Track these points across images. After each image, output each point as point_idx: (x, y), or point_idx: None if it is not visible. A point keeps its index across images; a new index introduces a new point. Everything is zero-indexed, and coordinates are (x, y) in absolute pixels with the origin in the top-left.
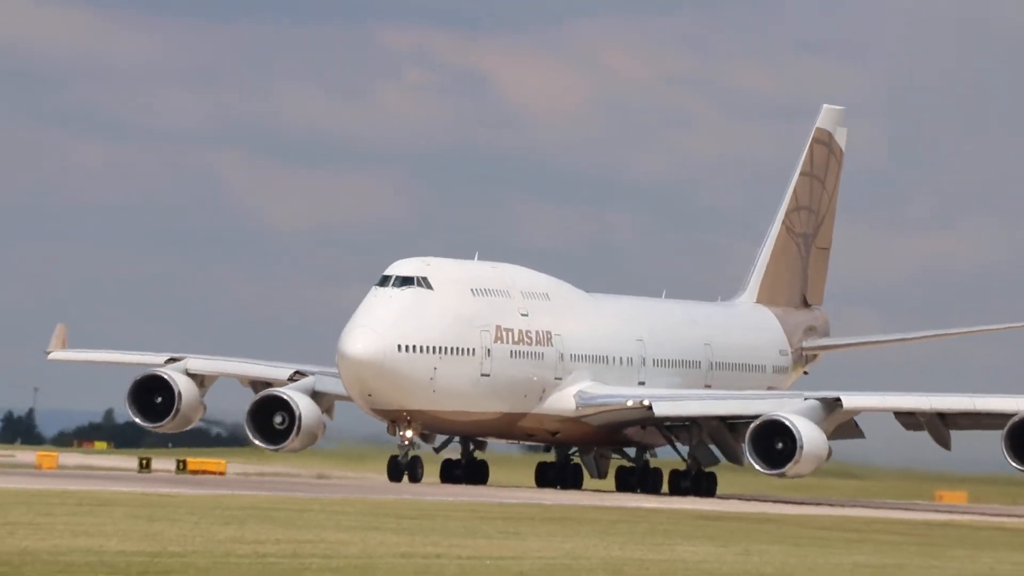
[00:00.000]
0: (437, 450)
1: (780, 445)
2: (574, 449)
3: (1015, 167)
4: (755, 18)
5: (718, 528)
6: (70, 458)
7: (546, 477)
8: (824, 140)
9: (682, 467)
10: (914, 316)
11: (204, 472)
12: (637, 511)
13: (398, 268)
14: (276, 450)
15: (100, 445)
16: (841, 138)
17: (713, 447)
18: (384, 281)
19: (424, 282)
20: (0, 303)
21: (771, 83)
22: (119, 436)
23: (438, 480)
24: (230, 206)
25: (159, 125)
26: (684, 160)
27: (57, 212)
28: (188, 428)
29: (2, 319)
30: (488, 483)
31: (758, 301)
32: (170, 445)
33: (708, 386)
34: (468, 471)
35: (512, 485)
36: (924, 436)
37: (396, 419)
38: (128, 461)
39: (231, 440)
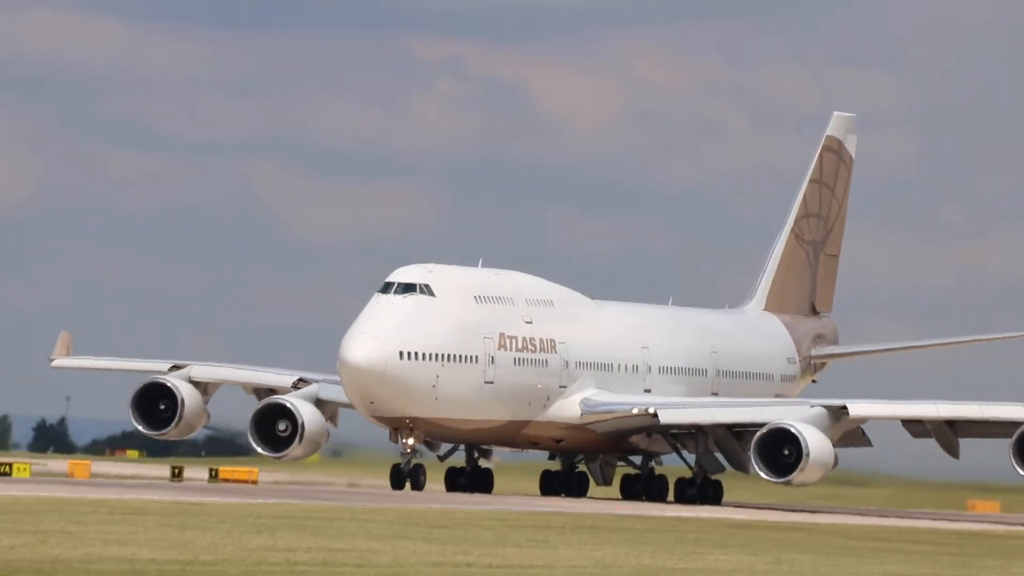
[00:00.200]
0: (442, 458)
1: (786, 453)
2: (579, 457)
3: None
4: (789, 28)
5: (748, 537)
6: (102, 466)
7: (551, 485)
8: (834, 148)
9: (688, 475)
10: (948, 326)
11: (236, 481)
12: (667, 520)
13: (400, 275)
14: (279, 458)
15: (132, 454)
16: (851, 145)
17: (719, 455)
18: (386, 288)
19: (426, 289)
20: (34, 311)
21: (805, 93)
22: (151, 445)
23: (443, 489)
24: (263, 216)
25: (193, 135)
26: (718, 170)
27: (94, 220)
28: (191, 435)
29: (35, 326)
30: (493, 492)
31: (766, 309)
32: (203, 454)
33: (715, 394)
34: (473, 479)
35: (517, 493)
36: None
37: (398, 427)
38: (160, 470)
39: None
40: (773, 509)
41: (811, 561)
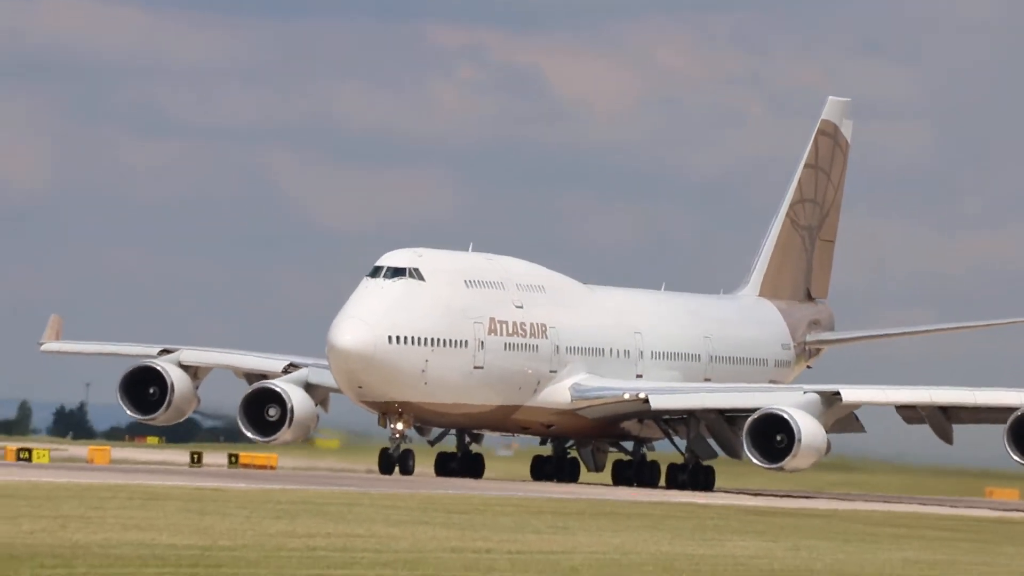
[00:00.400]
0: (432, 443)
1: (778, 439)
2: (571, 442)
3: None
4: (808, 16)
5: (767, 523)
6: (122, 452)
7: (542, 471)
8: (830, 132)
9: (680, 461)
10: (963, 315)
11: (256, 466)
12: (686, 506)
13: (389, 259)
14: (268, 442)
15: (152, 439)
16: (847, 130)
17: (711, 441)
18: (375, 272)
19: (416, 273)
20: (52, 297)
21: (822, 82)
22: (170, 431)
23: (432, 474)
24: (279, 203)
25: (210, 122)
26: (736, 158)
27: (107, 207)
28: (181, 420)
29: (55, 312)
30: (483, 477)
31: (761, 294)
32: (221, 439)
33: (708, 380)
34: (463, 464)
35: (508, 479)
36: (967, 434)
37: (387, 411)
38: (180, 455)
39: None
40: (788, 496)
41: (830, 548)
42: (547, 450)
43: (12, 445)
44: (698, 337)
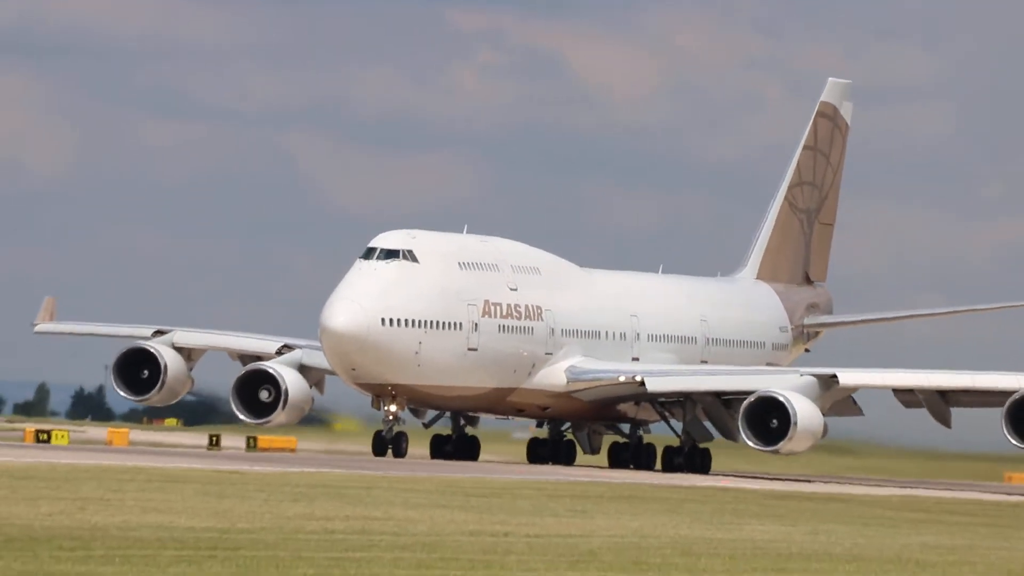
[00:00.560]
0: (426, 425)
1: (774, 422)
2: (567, 425)
3: None
4: (827, 1)
5: (786, 507)
6: (140, 435)
7: (538, 453)
8: (829, 114)
9: (676, 443)
10: (979, 299)
11: (274, 449)
12: (704, 490)
13: (383, 240)
14: (261, 424)
15: (170, 422)
16: (847, 112)
17: (707, 423)
18: (368, 254)
19: (409, 255)
20: (70, 278)
21: (842, 66)
22: (189, 413)
23: (428, 456)
24: (296, 185)
25: (231, 105)
26: (756, 142)
27: (129, 189)
28: (174, 402)
29: (75, 294)
30: (479, 459)
31: (759, 277)
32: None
33: (704, 362)
34: (459, 447)
35: (503, 461)
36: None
37: (380, 394)
38: (198, 438)
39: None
40: (801, 481)
41: (848, 532)
42: (543, 433)
43: (31, 427)
44: (695, 319)
